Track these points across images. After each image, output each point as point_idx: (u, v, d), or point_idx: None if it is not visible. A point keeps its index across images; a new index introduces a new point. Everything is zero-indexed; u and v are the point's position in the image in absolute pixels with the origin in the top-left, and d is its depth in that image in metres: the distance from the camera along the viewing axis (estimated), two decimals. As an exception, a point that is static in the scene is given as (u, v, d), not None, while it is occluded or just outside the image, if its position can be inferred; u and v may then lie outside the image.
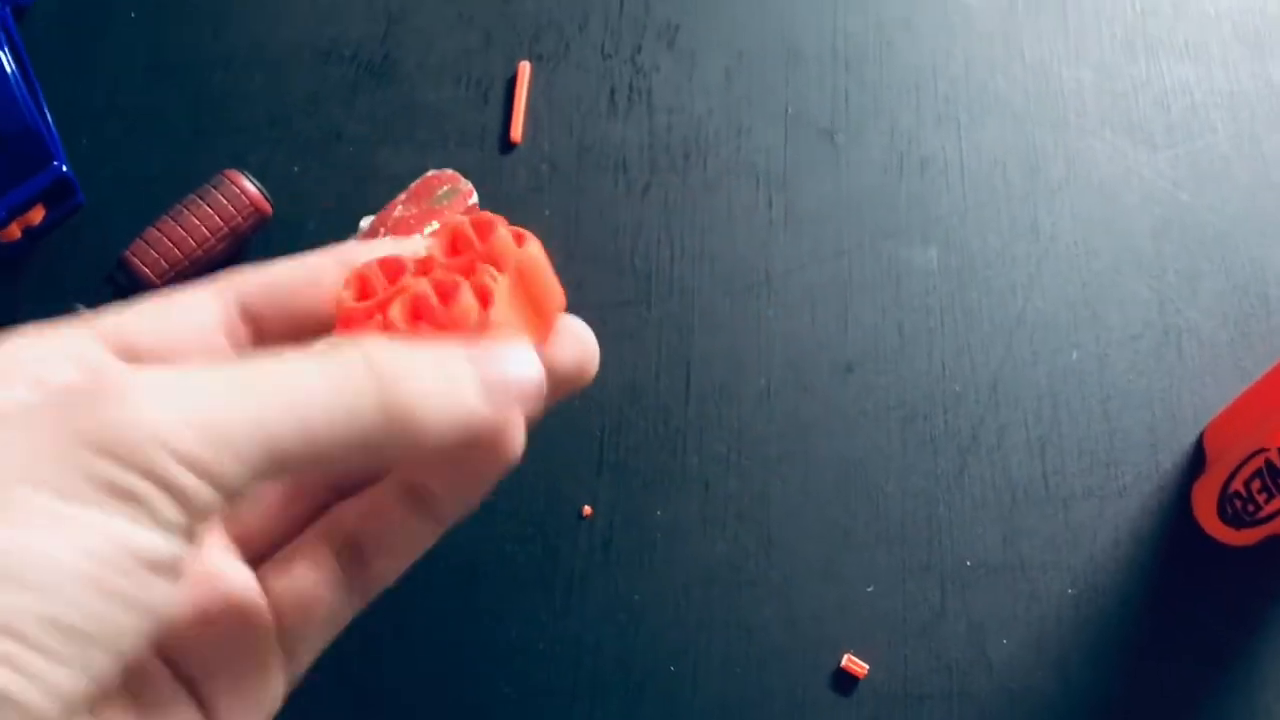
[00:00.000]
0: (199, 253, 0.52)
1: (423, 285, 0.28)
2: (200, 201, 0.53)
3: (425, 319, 0.29)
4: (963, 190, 0.59)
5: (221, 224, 0.53)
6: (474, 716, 0.48)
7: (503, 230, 0.30)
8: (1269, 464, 0.47)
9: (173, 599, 0.22)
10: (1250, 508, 0.49)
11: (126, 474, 0.21)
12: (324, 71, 0.59)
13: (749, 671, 0.49)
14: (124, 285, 0.52)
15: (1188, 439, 0.54)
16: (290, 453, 0.22)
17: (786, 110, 0.60)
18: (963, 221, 0.58)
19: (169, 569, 0.22)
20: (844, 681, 0.49)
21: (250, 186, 0.53)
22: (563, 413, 0.53)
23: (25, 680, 0.20)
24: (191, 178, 0.54)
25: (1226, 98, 0.61)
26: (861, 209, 0.58)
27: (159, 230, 0.52)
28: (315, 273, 0.28)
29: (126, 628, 0.21)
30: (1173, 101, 0.61)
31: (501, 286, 0.29)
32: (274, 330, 0.28)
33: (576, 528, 0.51)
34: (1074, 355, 0.55)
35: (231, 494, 0.22)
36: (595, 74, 0.60)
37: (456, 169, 0.57)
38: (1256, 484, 0.48)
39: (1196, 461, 0.54)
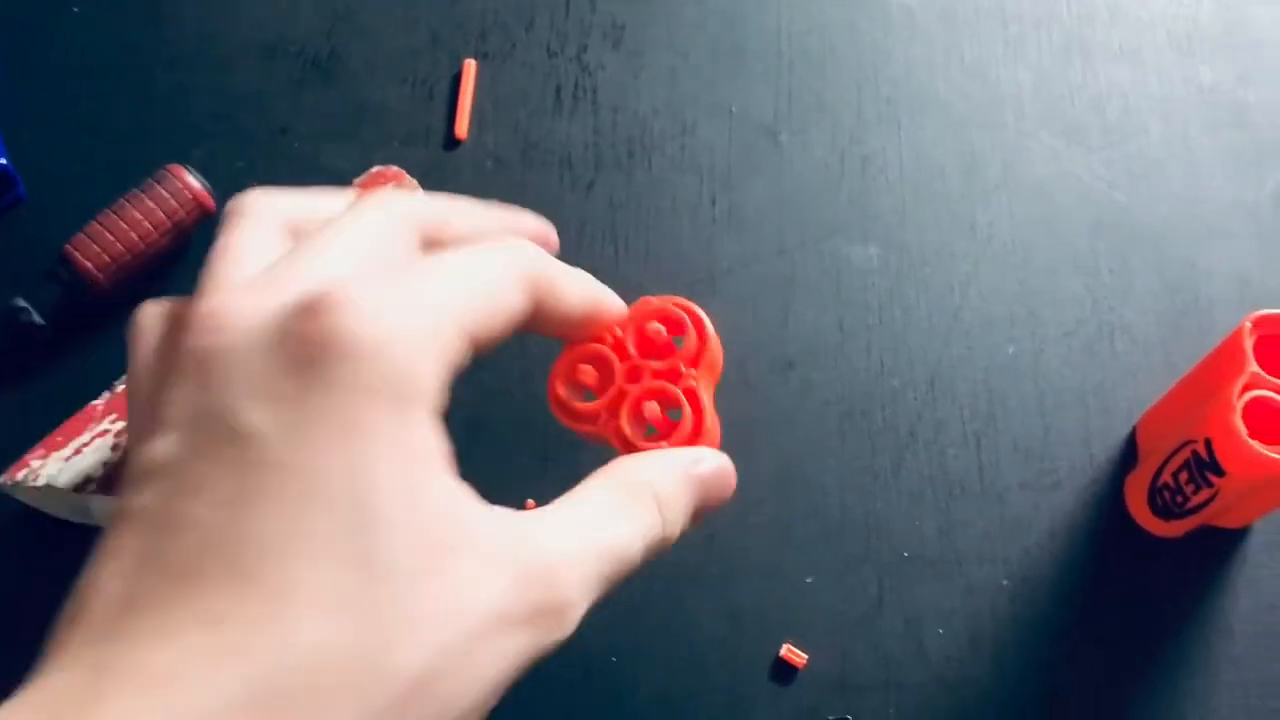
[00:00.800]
0: (141, 247, 0.52)
1: (652, 407, 0.39)
2: (143, 196, 0.53)
3: (655, 426, 0.39)
4: (902, 189, 0.60)
5: (164, 218, 0.52)
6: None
7: (697, 330, 0.40)
8: (1195, 455, 0.48)
9: None
10: (1179, 499, 0.50)
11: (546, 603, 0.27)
12: (270, 68, 0.59)
13: (690, 663, 0.49)
14: (65, 279, 0.51)
15: (1121, 433, 0.55)
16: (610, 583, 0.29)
17: (730, 109, 0.61)
18: (902, 220, 0.59)
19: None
20: (783, 671, 0.49)
21: (193, 181, 0.53)
22: (507, 406, 0.53)
23: None
24: (135, 173, 0.54)
25: (1159, 101, 0.62)
26: (804, 207, 0.59)
27: (101, 224, 0.52)
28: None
29: None
30: (1108, 104, 0.62)
31: (705, 392, 0.39)
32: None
33: (519, 521, 0.51)
34: (1010, 351, 0.56)
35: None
36: (541, 72, 0.60)
37: (402, 166, 0.57)
38: (1184, 475, 0.49)
39: (1129, 455, 0.55)
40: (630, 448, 0.44)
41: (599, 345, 0.44)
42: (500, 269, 0.29)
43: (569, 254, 0.56)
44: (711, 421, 0.41)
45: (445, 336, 0.27)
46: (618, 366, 0.43)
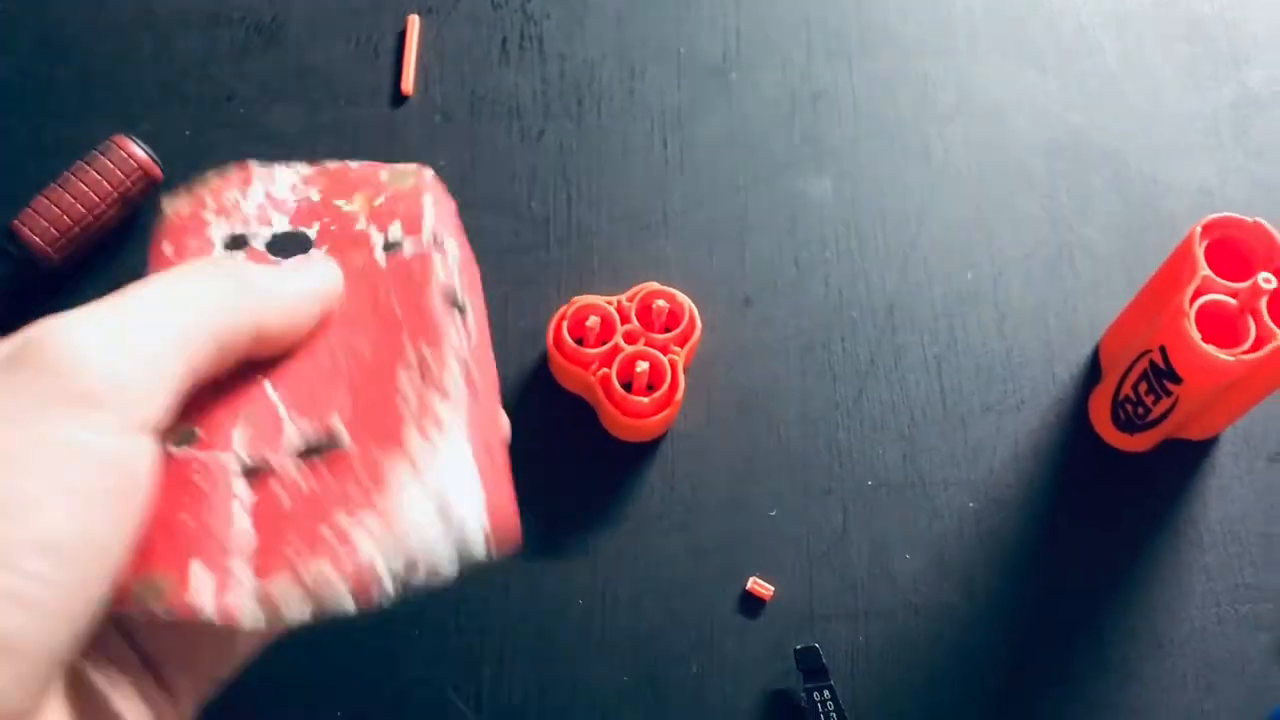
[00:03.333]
0: (89, 219, 0.52)
1: (642, 365, 0.48)
2: (88, 168, 0.52)
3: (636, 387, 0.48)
4: (856, 122, 0.59)
5: (110, 189, 0.52)
6: (383, 659, 0.48)
7: (690, 320, 0.51)
8: (1153, 364, 0.47)
9: (141, 506, 0.26)
10: (1140, 410, 0.50)
11: (102, 399, 0.25)
12: (213, 34, 0.59)
13: (658, 601, 0.49)
14: (14, 254, 0.51)
15: (1084, 351, 0.55)
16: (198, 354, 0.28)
17: (679, 51, 0.60)
18: (856, 152, 0.58)
19: (130, 472, 0.26)
20: (751, 605, 0.49)
21: (139, 151, 0.53)
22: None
23: (24, 615, 0.23)
24: (82, 146, 0.54)
25: (1113, 18, 0.62)
26: (756, 145, 0.58)
27: (47, 198, 0.52)
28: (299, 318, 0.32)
29: (109, 541, 0.25)
30: (1061, 24, 0.62)
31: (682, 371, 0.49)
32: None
33: (480, 470, 0.51)
34: (969, 276, 0.56)
35: (161, 394, 0.27)
36: (486, 24, 0.60)
37: (349, 125, 0.57)
38: (1144, 386, 0.49)
39: (1093, 373, 0.54)
40: (611, 394, 0.48)
41: (607, 305, 0.51)
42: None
43: (521, 204, 0.56)
44: (681, 394, 0.49)
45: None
46: (619, 326, 0.50)
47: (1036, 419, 0.53)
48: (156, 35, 0.59)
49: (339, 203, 0.39)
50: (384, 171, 0.40)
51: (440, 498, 0.32)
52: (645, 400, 0.49)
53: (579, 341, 0.51)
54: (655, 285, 0.51)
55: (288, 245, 0.37)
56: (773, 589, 0.49)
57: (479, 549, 0.32)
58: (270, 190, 0.38)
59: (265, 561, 0.30)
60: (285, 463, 0.32)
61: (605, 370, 0.50)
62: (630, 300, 0.51)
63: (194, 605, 0.28)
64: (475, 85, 0.59)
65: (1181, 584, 0.51)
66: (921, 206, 0.57)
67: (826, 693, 0.46)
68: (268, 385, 0.33)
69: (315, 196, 0.39)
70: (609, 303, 0.51)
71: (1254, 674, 0.49)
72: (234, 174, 0.39)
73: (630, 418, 0.49)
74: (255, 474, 0.31)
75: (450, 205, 0.39)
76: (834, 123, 0.59)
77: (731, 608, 0.49)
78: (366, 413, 0.33)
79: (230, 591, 0.29)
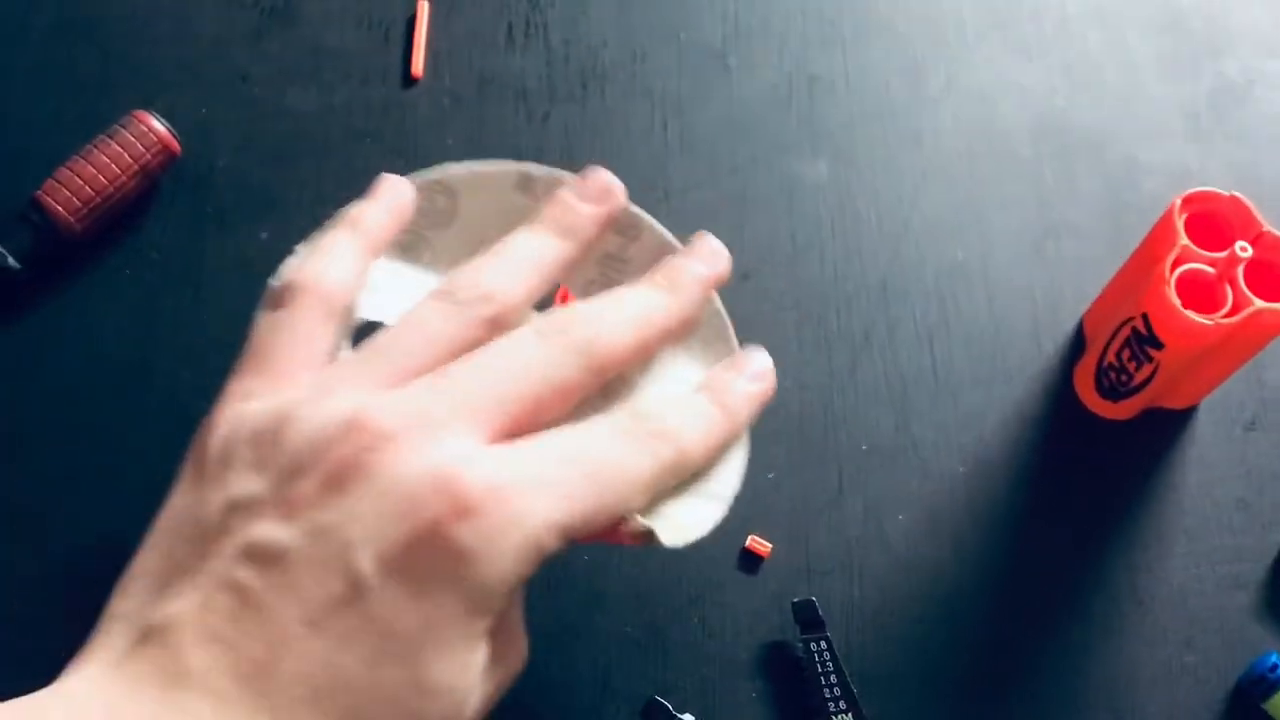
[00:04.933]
0: (110, 190, 0.54)
1: None
2: (110, 141, 0.54)
3: None
4: (850, 106, 0.61)
5: (131, 162, 0.54)
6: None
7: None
8: (1135, 331, 0.49)
9: None
10: (1123, 378, 0.52)
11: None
12: (229, 16, 0.61)
13: (659, 557, 0.51)
14: (38, 224, 0.53)
15: (1068, 325, 0.57)
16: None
17: (679, 36, 0.62)
18: (850, 135, 0.61)
19: None
20: (749, 562, 0.51)
21: (158, 125, 0.55)
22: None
23: None
24: (101, 121, 0.55)
25: (1096, 10, 0.64)
26: (754, 128, 0.61)
27: (70, 170, 0.54)
28: None
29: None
30: (1046, 14, 0.64)
31: None
32: None
33: (489, 433, 0.53)
34: (959, 255, 0.58)
35: None
36: (493, 10, 0.62)
37: (361, 106, 0.59)
38: (1126, 353, 0.51)
39: (1077, 346, 0.57)
40: None
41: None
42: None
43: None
44: None
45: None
46: None
47: (1023, 389, 0.55)
48: (174, 17, 0.61)
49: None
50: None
51: None
52: None
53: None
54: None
55: None
56: (771, 546, 0.51)
57: None
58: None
59: None
60: None
61: None
62: None
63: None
64: (483, 68, 0.61)
65: (1162, 545, 0.53)
66: (914, 188, 0.59)
67: (823, 643, 0.48)
68: None
69: None
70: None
71: (1232, 629, 0.51)
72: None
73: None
74: None
75: None
76: (829, 107, 0.61)
77: (731, 564, 0.51)
78: None
79: None
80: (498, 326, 0.34)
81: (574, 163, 0.58)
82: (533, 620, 0.50)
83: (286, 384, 0.32)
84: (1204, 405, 0.55)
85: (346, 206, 0.39)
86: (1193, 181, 0.59)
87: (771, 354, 0.55)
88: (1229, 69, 0.63)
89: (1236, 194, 0.49)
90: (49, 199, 0.53)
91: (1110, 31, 0.64)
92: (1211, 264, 0.48)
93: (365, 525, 0.28)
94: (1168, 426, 0.55)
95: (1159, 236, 0.50)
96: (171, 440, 0.34)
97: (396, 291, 0.39)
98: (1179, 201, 0.49)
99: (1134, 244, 0.54)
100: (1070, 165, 0.60)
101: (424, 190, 0.42)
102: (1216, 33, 0.64)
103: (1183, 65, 0.63)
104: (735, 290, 0.55)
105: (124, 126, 0.55)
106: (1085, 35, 0.64)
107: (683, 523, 0.36)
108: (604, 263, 0.42)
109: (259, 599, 0.28)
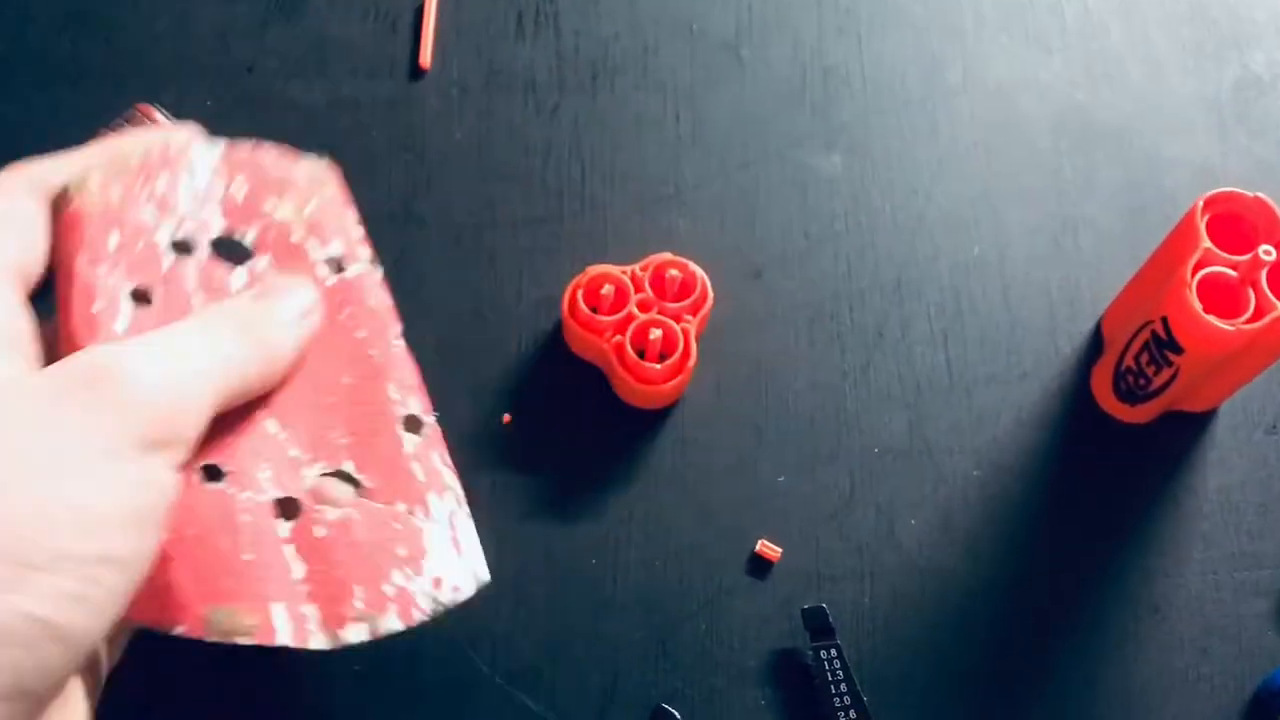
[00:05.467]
0: (113, 185, 0.53)
1: (655, 333, 0.50)
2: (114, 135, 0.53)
3: (649, 354, 0.50)
4: (865, 99, 0.60)
5: (135, 157, 0.53)
6: (402, 617, 0.49)
7: (703, 289, 0.52)
8: (1154, 335, 0.48)
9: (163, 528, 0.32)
10: (1141, 381, 0.51)
11: (158, 433, 0.31)
12: (232, 8, 0.60)
13: (667, 563, 0.50)
14: (40, 220, 0.52)
15: (1086, 325, 0.56)
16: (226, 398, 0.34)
17: (691, 27, 0.61)
18: (865, 128, 0.60)
19: (170, 502, 0.32)
20: (759, 566, 0.50)
21: (161, 118, 0.54)
22: (481, 326, 0.54)
23: (84, 612, 0.28)
24: (104, 116, 0.54)
25: (1118, 2, 0.63)
26: (767, 121, 0.59)
27: (73, 165, 0.53)
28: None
29: (148, 556, 0.31)
30: (1066, 5, 0.63)
31: (693, 340, 0.51)
32: None
33: (496, 434, 0.52)
34: (975, 250, 0.57)
35: (198, 436, 0.33)
36: (502, 0, 0.61)
37: (368, 98, 0.58)
38: (1145, 357, 0.50)
39: (1095, 347, 0.56)
40: (625, 361, 0.49)
41: (621, 275, 0.52)
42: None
43: (536, 177, 0.57)
44: (693, 362, 0.50)
45: None
46: (633, 295, 0.52)
47: (1039, 390, 0.54)
48: (177, 8, 0.60)
49: (269, 207, 0.41)
50: (299, 167, 0.43)
51: (451, 531, 0.39)
52: (658, 367, 0.50)
53: (593, 310, 0.52)
54: (669, 255, 0.52)
55: (230, 252, 0.40)
56: (780, 551, 0.50)
57: (485, 572, 0.39)
58: (195, 177, 0.40)
59: (320, 591, 0.35)
60: (308, 500, 0.37)
61: (619, 337, 0.51)
62: (644, 270, 0.52)
63: (275, 640, 0.34)
64: (491, 59, 0.60)
65: (1179, 551, 0.52)
66: (929, 182, 0.58)
67: (833, 651, 0.48)
68: (272, 425, 0.37)
69: (239, 193, 0.41)
70: (623, 272, 0.52)
71: (1249, 639, 0.50)
72: (151, 144, 0.40)
73: (643, 384, 0.51)
74: (288, 510, 0.37)
75: (351, 205, 0.43)
76: (844, 99, 0.60)
77: (740, 569, 0.50)
78: (367, 448, 0.39)
79: (304, 629, 0.35)
80: None
81: (584, 156, 0.57)
82: (538, 626, 0.49)
83: None
84: (1224, 408, 0.54)
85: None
86: (1214, 178, 0.58)
87: (783, 353, 0.55)
88: (1254, 62, 0.62)
89: (1261, 195, 0.48)
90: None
91: (1132, 23, 0.62)
92: (1234, 267, 0.47)
93: None
94: (1186, 429, 0.54)
95: (1181, 238, 0.49)
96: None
97: None
98: (1201, 202, 0.48)
99: (1155, 241, 0.53)
100: (1090, 159, 0.59)
101: None
102: (1241, 24, 0.62)
103: (1206, 58, 0.62)
104: (747, 287, 0.55)
105: (129, 121, 0.54)
106: (1106, 27, 0.62)
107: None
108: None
109: None
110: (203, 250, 0.39)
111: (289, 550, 0.35)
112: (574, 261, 0.55)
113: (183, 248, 0.39)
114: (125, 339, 0.35)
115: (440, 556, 0.38)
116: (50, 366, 0.31)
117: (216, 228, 0.40)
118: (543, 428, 0.53)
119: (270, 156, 0.43)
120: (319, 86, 0.59)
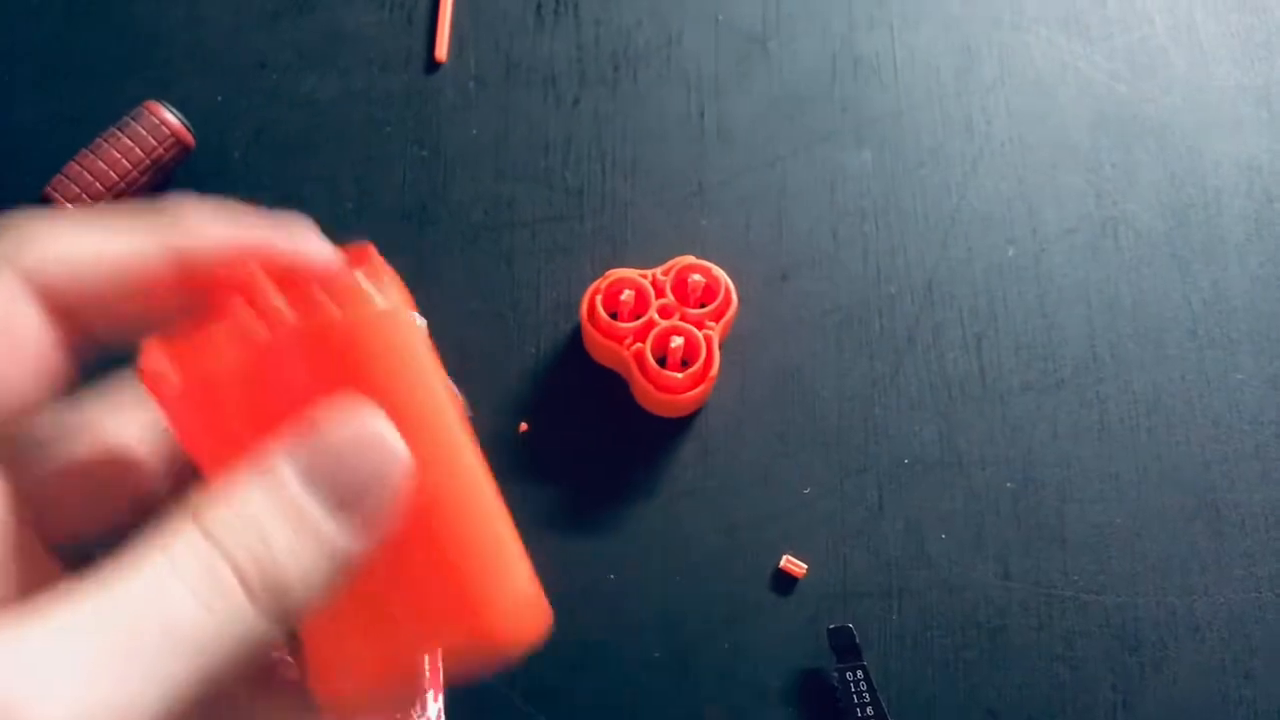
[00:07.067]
0: (121, 185, 0.52)
1: (676, 340, 0.48)
2: (120, 134, 0.52)
3: (670, 362, 0.47)
4: (897, 92, 0.58)
5: (143, 156, 0.52)
6: (415, 633, 0.48)
7: (726, 294, 0.50)
8: (1198, 347, 0.46)
9: None
10: (1184, 393, 0.49)
11: None
12: (244, 1, 0.58)
13: (689, 577, 0.49)
14: (47, 221, 0.51)
15: (1125, 330, 0.54)
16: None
17: (717, 18, 0.59)
18: (897, 123, 0.57)
19: None
20: (783, 582, 0.49)
21: (170, 117, 0.53)
22: (499, 328, 0.53)
23: None
24: (112, 112, 0.53)
25: (1163, -13, 0.60)
26: (795, 115, 0.57)
27: (79, 165, 0.51)
28: (136, 268, 0.23)
29: None
30: (1108, -7, 0.60)
31: (717, 346, 0.49)
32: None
33: (513, 443, 0.51)
34: (1010, 252, 0.55)
35: None
36: (520, -10, 0.59)
37: (381, 92, 0.57)
38: (1188, 368, 0.48)
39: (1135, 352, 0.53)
40: (645, 370, 0.47)
41: (641, 279, 0.50)
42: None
43: (555, 174, 0.55)
44: (716, 370, 0.48)
45: None
46: (654, 300, 0.50)
47: (1077, 398, 0.52)
48: (186, 1, 0.58)
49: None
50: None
51: None
52: (680, 376, 0.48)
53: (613, 315, 0.50)
54: (691, 259, 0.50)
55: None
56: (806, 567, 0.49)
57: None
58: None
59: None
60: None
61: (639, 345, 0.49)
62: (665, 274, 0.50)
63: None
64: (509, 51, 0.58)
65: (1221, 569, 0.50)
66: (963, 179, 0.56)
67: (859, 673, 0.46)
68: None
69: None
70: (643, 276, 0.50)
71: (1294, 661, 0.48)
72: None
73: (664, 393, 0.49)
74: None
75: None
76: (875, 93, 0.58)
77: (764, 585, 0.49)
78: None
79: None
80: None
81: (605, 152, 0.56)
82: (556, 643, 0.48)
83: None
84: (1265, 419, 0.52)
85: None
86: (1261, 177, 0.56)
87: (810, 360, 0.53)
88: (1305, 52, 0.59)
89: None
90: (58, 195, 0.51)
91: (1177, 11, 0.60)
92: None
93: None
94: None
95: None
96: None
97: None
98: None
99: (1197, 242, 0.51)
100: (1131, 156, 0.57)
101: None
102: (1292, 12, 0.60)
103: (1255, 47, 0.59)
104: (773, 292, 0.53)
105: (135, 119, 0.52)
106: (1150, 16, 0.60)
107: None
108: None
109: None
110: None
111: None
112: (594, 262, 0.54)
113: None
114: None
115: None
116: None
117: None
118: (560, 436, 0.51)
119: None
120: (332, 79, 0.57)
